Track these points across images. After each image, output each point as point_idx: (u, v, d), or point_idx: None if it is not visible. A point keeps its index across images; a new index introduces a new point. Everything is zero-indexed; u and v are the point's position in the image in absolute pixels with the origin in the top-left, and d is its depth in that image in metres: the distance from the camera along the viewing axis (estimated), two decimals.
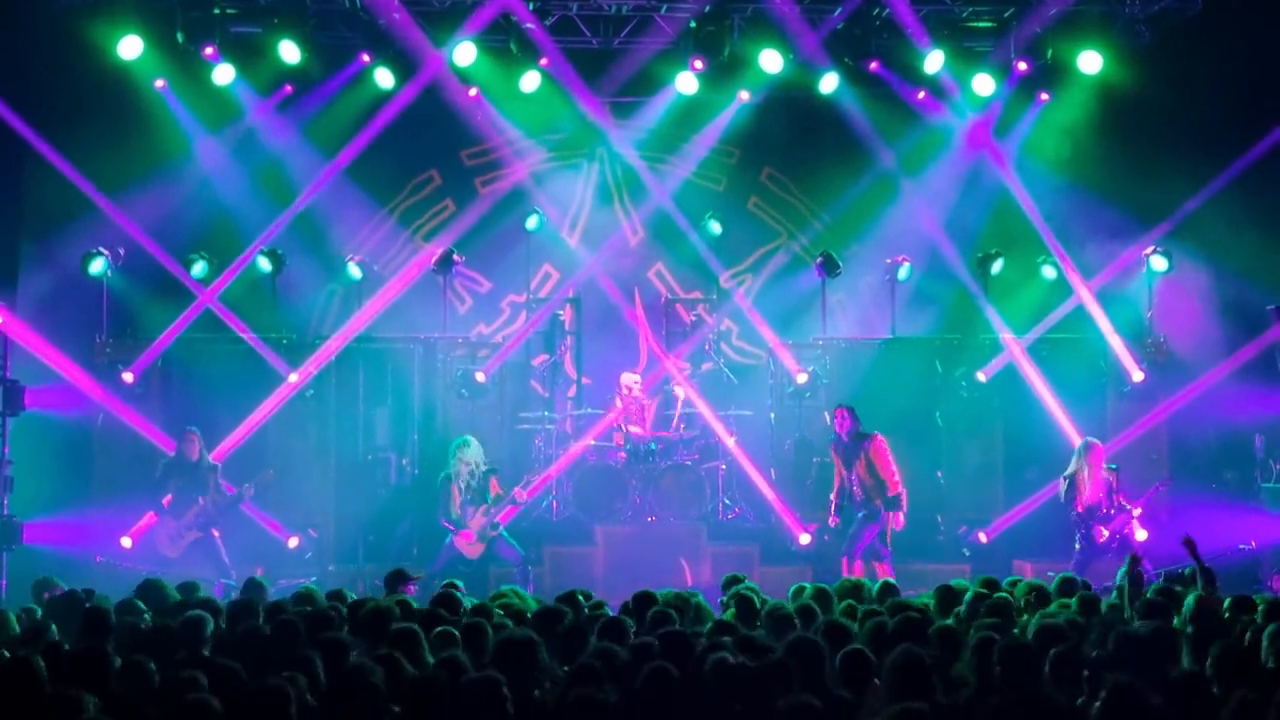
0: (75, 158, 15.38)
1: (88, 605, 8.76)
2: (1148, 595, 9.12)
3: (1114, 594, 9.54)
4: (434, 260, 16.07)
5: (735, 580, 9.85)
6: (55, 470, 15.03)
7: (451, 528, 13.87)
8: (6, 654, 7.33)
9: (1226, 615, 8.45)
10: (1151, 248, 15.84)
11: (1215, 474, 15.73)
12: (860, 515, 13.89)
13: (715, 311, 17.03)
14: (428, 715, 6.21)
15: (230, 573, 13.22)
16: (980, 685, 6.83)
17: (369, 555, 14.89)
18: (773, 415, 16.42)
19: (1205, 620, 8.05)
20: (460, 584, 9.94)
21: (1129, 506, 13.73)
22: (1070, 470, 13.86)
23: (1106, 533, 13.61)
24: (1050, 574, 12.79)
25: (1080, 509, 13.70)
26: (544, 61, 15.95)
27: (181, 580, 10.07)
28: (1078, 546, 13.74)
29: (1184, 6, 15.58)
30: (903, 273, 16.30)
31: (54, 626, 8.23)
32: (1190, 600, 8.39)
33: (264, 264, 15.73)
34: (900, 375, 15.94)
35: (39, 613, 9.04)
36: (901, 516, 13.90)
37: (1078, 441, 14.23)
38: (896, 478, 13.88)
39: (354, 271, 16.23)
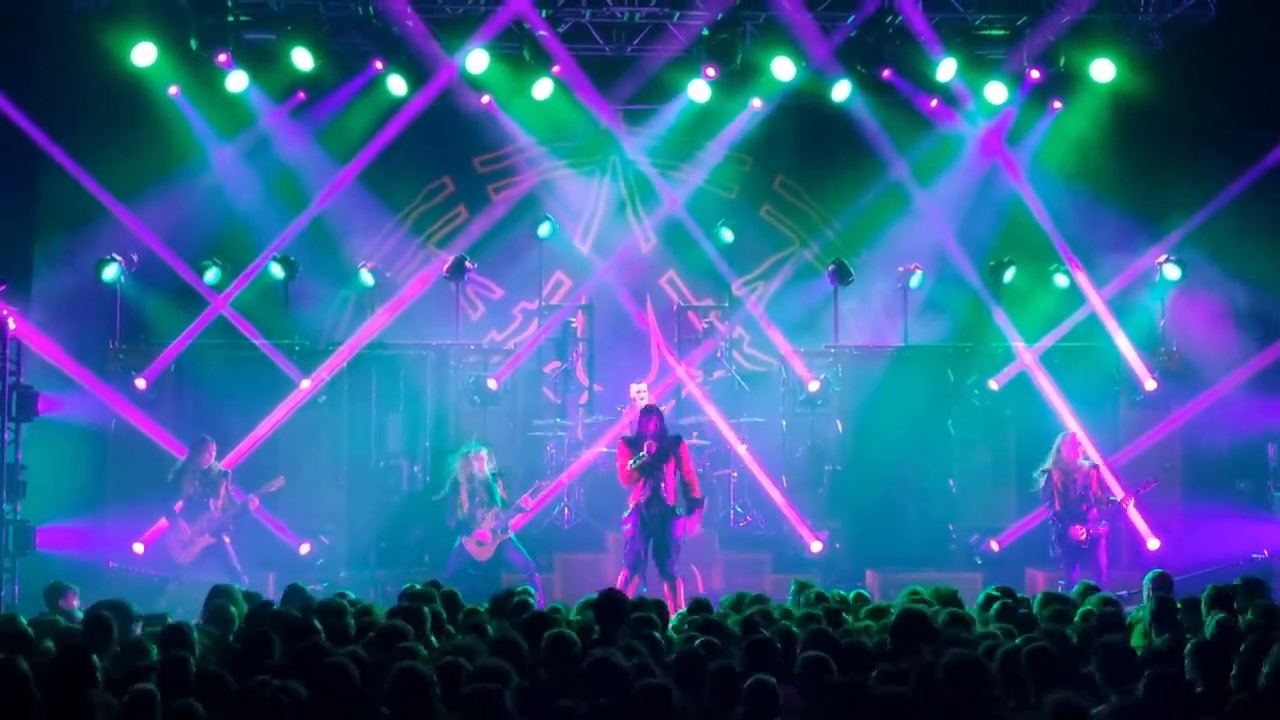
0: (89, 164, 15.41)
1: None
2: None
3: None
4: (446, 267, 16.07)
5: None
6: (68, 476, 15.03)
7: (461, 530, 13.89)
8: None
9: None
10: (1164, 256, 15.79)
11: (1228, 483, 15.64)
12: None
13: (727, 319, 17.06)
14: None
15: (242, 579, 13.19)
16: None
17: (381, 561, 14.90)
18: (784, 423, 16.41)
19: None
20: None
21: (1115, 499, 13.59)
22: (1045, 465, 13.74)
23: (1084, 533, 13.49)
24: (1061, 583, 12.86)
25: (1057, 507, 13.58)
26: (557, 69, 15.96)
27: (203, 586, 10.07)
28: (1055, 552, 13.65)
29: (1197, 14, 15.55)
30: (915, 280, 16.28)
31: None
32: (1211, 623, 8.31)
33: (277, 270, 15.75)
34: (912, 383, 15.90)
35: (61, 621, 9.06)
36: (698, 523, 13.14)
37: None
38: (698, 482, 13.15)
39: (366, 278, 16.24)
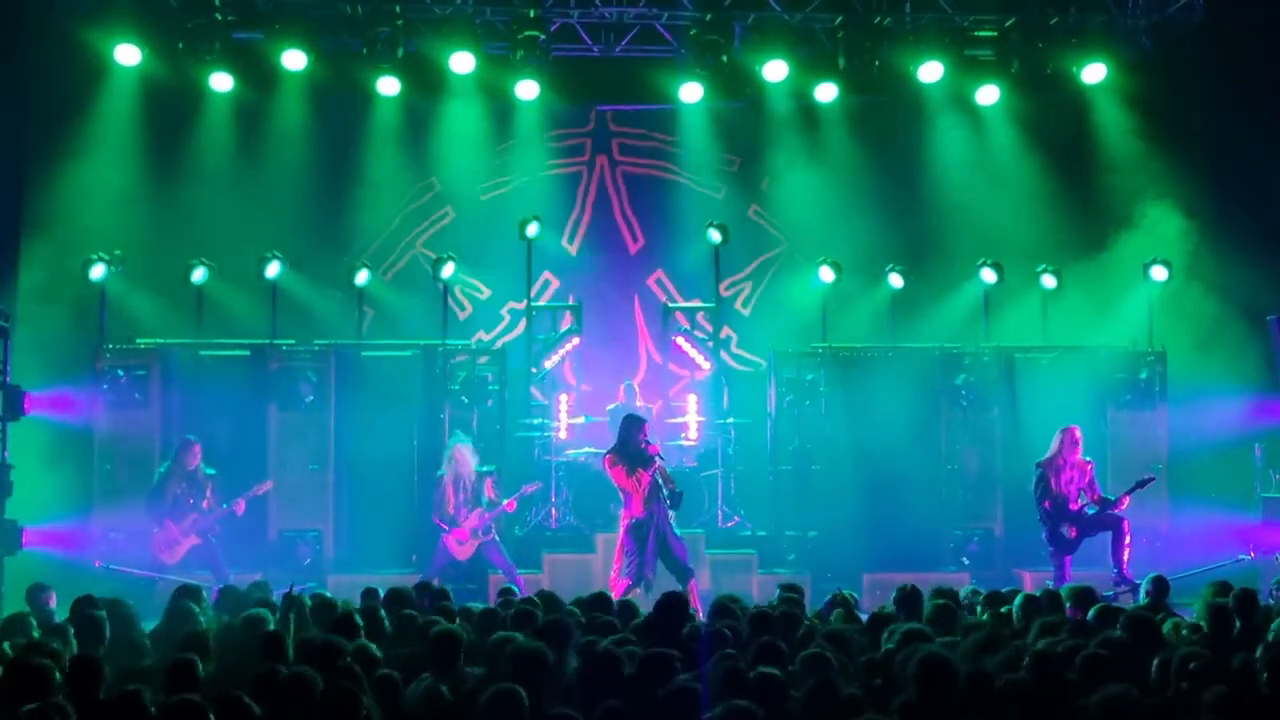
0: (75, 163, 15.41)
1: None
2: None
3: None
4: (434, 266, 16.05)
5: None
6: (55, 475, 15.00)
7: (444, 526, 13.90)
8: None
9: None
10: (1151, 257, 15.82)
11: (1215, 484, 15.67)
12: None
13: (715, 319, 17.04)
14: None
15: (228, 578, 13.18)
16: None
17: (369, 563, 14.87)
18: (772, 423, 16.40)
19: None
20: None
21: (1112, 497, 13.45)
22: (1042, 459, 13.56)
23: (1076, 531, 13.37)
24: (1049, 584, 12.85)
25: (1048, 505, 13.42)
26: (544, 69, 15.96)
27: (183, 584, 10.07)
28: (1047, 550, 13.60)
29: (1186, 16, 15.62)
30: (902, 281, 16.29)
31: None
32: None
33: (265, 270, 15.72)
34: (900, 383, 15.89)
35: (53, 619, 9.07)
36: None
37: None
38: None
39: (355, 277, 16.21)
